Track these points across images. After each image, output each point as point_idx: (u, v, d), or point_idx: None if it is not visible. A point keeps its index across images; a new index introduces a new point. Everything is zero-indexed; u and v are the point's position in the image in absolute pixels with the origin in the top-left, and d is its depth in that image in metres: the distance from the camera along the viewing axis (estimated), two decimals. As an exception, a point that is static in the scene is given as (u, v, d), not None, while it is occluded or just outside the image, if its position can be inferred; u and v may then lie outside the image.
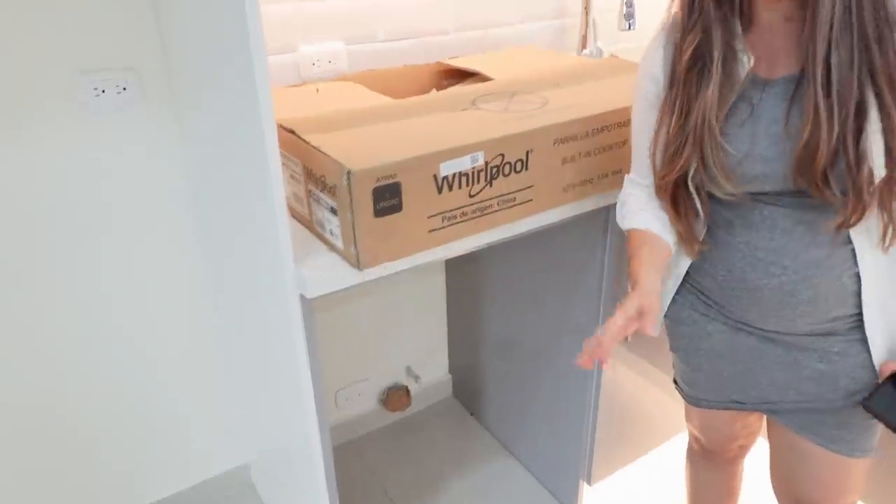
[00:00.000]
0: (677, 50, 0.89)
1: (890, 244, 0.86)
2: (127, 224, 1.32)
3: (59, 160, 1.21)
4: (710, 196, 0.93)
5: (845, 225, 0.83)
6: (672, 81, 0.91)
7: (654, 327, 0.86)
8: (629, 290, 0.90)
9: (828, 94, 0.78)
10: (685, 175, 0.91)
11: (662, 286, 1.06)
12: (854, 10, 0.76)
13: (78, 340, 1.35)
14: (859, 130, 0.79)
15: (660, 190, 0.96)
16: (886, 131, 0.78)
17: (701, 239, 0.97)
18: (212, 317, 1.49)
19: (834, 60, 0.77)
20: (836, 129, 0.78)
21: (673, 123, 0.90)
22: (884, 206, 0.83)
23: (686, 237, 0.97)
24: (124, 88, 1.22)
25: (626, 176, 1.05)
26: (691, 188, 0.92)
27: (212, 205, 1.26)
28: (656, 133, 0.94)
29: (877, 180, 0.80)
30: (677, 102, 0.89)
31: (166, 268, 1.40)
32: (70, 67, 1.17)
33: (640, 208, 1.00)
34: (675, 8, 0.90)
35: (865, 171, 0.79)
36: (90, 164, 1.24)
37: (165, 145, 1.30)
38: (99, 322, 1.36)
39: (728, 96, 0.86)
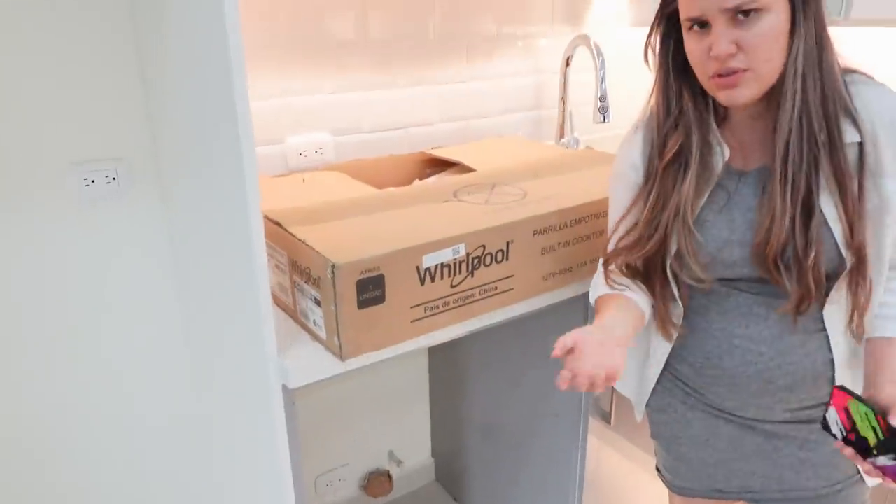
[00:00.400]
0: (657, 147, 0.93)
1: (857, 329, 0.89)
2: (112, 311, 1.32)
3: (46, 248, 1.22)
4: (689, 287, 0.96)
5: (795, 310, 0.87)
6: (648, 175, 0.95)
7: (615, 369, 0.84)
8: None
9: (783, 190, 0.84)
10: (663, 262, 0.94)
11: (645, 372, 1.08)
12: (805, 119, 0.82)
13: (57, 428, 1.33)
14: (806, 224, 0.83)
15: (613, 263, 0.99)
16: (845, 230, 0.83)
17: (678, 323, 0.99)
18: (194, 404, 1.47)
19: (789, 160, 0.83)
20: (787, 220, 0.83)
21: (645, 213, 0.94)
22: (848, 294, 0.87)
23: (663, 320, 0.99)
24: (114, 178, 1.25)
25: (601, 259, 1.08)
26: (669, 275, 0.95)
27: (197, 292, 1.27)
28: (624, 214, 0.97)
29: (823, 270, 0.84)
30: (652, 194, 0.93)
31: (150, 355, 1.39)
32: (61, 159, 1.20)
33: (614, 280, 1.01)
34: (653, 102, 0.95)
35: (810, 260, 0.83)
36: (77, 252, 1.25)
37: (152, 233, 1.32)
38: (82, 411, 1.34)
39: (704, 187, 0.91)
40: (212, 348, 1.27)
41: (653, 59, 0.93)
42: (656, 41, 0.92)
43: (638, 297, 0.98)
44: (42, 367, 1.28)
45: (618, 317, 0.94)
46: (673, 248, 0.92)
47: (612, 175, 1.03)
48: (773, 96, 0.85)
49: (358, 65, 1.51)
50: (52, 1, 1.12)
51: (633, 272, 0.98)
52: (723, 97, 0.86)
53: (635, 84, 1.84)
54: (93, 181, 1.23)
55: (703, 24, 0.82)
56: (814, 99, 0.82)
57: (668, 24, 0.90)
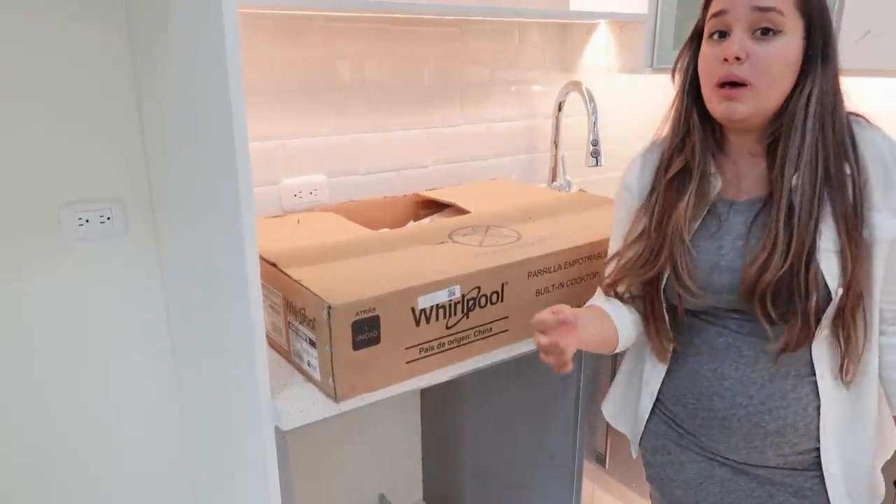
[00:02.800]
0: (663, 161, 0.97)
1: (850, 377, 0.89)
2: (102, 352, 1.31)
3: (37, 288, 1.22)
4: (684, 316, 0.97)
5: (787, 349, 0.87)
6: (653, 189, 0.98)
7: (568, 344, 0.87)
8: None
9: (788, 225, 0.85)
10: (658, 287, 0.96)
11: (639, 406, 1.08)
12: (819, 160, 0.85)
13: (44, 468, 1.30)
14: (809, 261, 0.85)
15: (615, 285, 1.01)
16: (842, 265, 0.84)
17: (669, 347, 0.99)
18: (185, 444, 1.44)
19: (797, 197, 0.85)
20: (791, 257, 0.84)
21: (653, 227, 0.96)
22: (839, 337, 0.87)
23: (657, 343, 1.00)
24: (108, 218, 1.25)
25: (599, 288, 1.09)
26: (662, 297, 0.96)
27: (190, 333, 1.26)
28: (629, 235, 0.99)
29: (822, 309, 0.85)
30: (657, 208, 0.96)
31: (141, 397, 1.37)
32: (55, 198, 1.20)
33: (606, 299, 1.03)
34: (669, 120, 0.98)
35: (813, 299, 0.84)
36: (68, 293, 1.25)
37: (146, 273, 1.31)
38: (71, 453, 1.32)
39: (699, 211, 0.93)
40: (204, 389, 1.25)
41: (678, 77, 0.97)
42: (685, 60, 0.95)
43: (620, 323, 1.00)
44: (28, 409, 1.25)
45: (594, 321, 0.97)
46: (668, 268, 0.93)
47: (616, 200, 1.07)
48: (772, 136, 0.88)
49: (354, 108, 1.54)
50: (51, 37, 1.13)
51: (632, 299, 1.00)
52: (721, 109, 0.88)
53: (626, 129, 1.88)
54: (87, 221, 1.23)
55: (723, 34, 0.87)
56: (830, 143, 0.85)
57: (697, 45, 0.93)
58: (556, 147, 1.86)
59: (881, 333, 0.93)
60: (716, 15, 0.87)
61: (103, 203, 1.24)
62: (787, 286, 0.85)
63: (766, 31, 0.84)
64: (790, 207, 0.85)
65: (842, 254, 0.85)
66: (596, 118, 1.67)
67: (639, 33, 1.69)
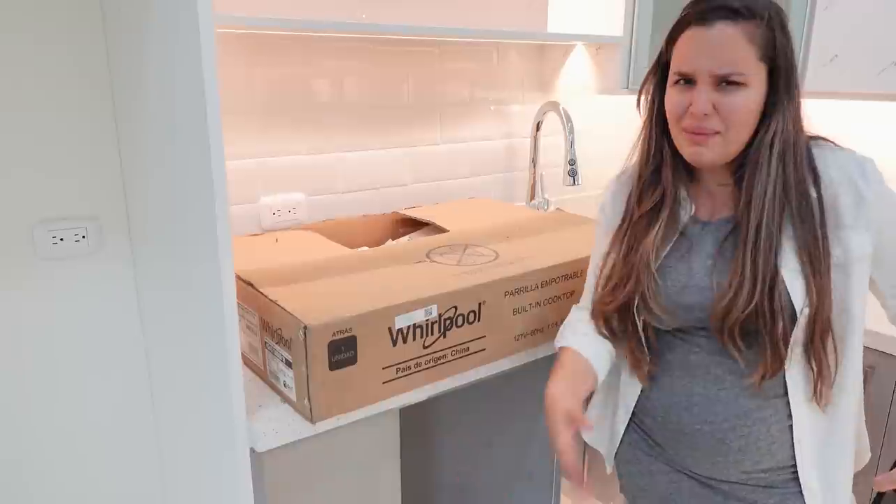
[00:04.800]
0: (635, 194, 0.98)
1: (825, 399, 0.91)
2: (76, 371, 1.29)
3: (11, 306, 1.20)
4: (657, 335, 0.98)
5: (764, 379, 0.89)
6: (625, 217, 0.99)
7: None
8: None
9: (755, 258, 0.87)
10: (630, 309, 0.97)
11: (615, 424, 1.09)
12: (782, 192, 0.87)
13: (19, 491, 1.27)
14: (772, 292, 0.86)
15: (597, 314, 1.02)
16: (807, 290, 0.86)
17: (646, 368, 1.00)
18: (159, 466, 1.42)
19: (762, 231, 0.87)
20: (757, 292, 0.86)
21: (621, 255, 0.98)
22: (811, 360, 0.89)
23: (634, 365, 1.01)
24: (83, 236, 1.24)
25: (574, 305, 1.11)
26: (638, 322, 0.97)
27: (165, 353, 1.24)
28: (604, 261, 1.01)
29: (790, 337, 0.87)
30: (626, 237, 0.98)
31: (116, 417, 1.35)
32: (30, 217, 1.18)
33: (583, 332, 1.04)
34: (638, 149, 0.99)
35: (780, 326, 0.86)
36: (41, 312, 1.23)
37: (121, 292, 1.30)
38: (43, 466, 1.29)
39: (670, 235, 0.95)
40: (179, 410, 1.24)
41: (644, 107, 0.98)
42: (649, 91, 0.97)
43: (598, 363, 1.01)
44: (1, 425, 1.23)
45: (584, 382, 0.98)
46: (637, 294, 0.95)
47: (596, 222, 1.10)
48: (739, 170, 0.90)
49: (333, 127, 1.54)
50: (26, 53, 1.12)
51: (609, 329, 1.01)
52: (689, 152, 0.90)
53: (603, 149, 1.91)
54: (61, 239, 1.22)
55: (688, 81, 0.88)
56: (793, 177, 0.87)
57: (661, 74, 0.94)
58: (534, 166, 1.87)
59: (889, 308, 0.94)
60: (679, 73, 0.89)
61: (78, 221, 1.23)
62: (754, 318, 0.87)
63: (730, 83, 0.85)
64: (756, 242, 0.87)
65: (806, 280, 0.86)
66: (573, 138, 1.69)
67: (615, 55, 1.72)
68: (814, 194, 0.87)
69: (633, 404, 1.05)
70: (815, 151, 0.90)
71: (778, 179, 0.87)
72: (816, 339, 0.87)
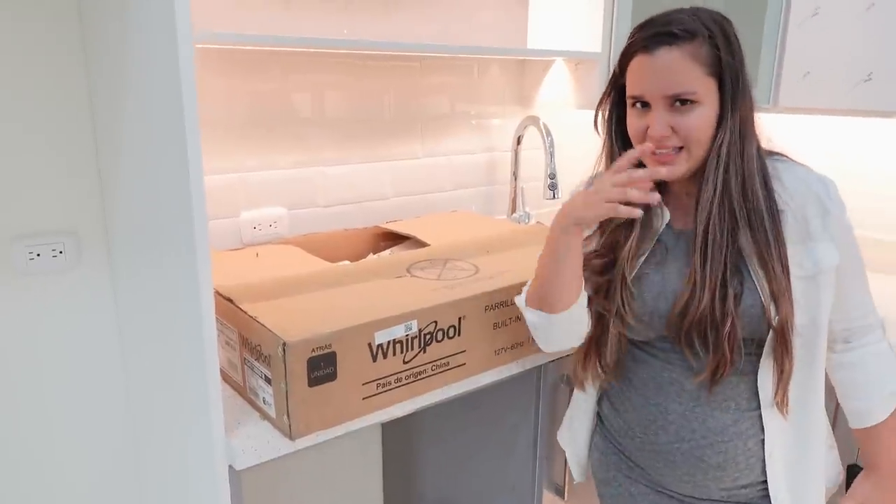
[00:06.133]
0: None
1: (783, 402, 0.92)
2: (53, 390, 1.27)
3: (-15, 323, 1.18)
4: (629, 354, 0.99)
5: (708, 380, 0.90)
6: (601, 230, 1.01)
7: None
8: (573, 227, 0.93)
9: (703, 265, 0.89)
10: (606, 322, 0.98)
11: (577, 423, 1.12)
12: (726, 201, 0.89)
13: (-20, 516, 1.25)
14: (724, 295, 0.88)
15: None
16: (763, 294, 0.87)
17: (599, 373, 1.03)
18: (138, 484, 1.40)
19: (709, 237, 0.89)
20: (707, 293, 0.88)
21: (597, 268, 0.99)
22: (775, 364, 0.90)
23: (595, 360, 1.03)
24: (60, 252, 1.23)
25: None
26: (613, 334, 0.98)
27: (143, 370, 1.23)
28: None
29: (739, 339, 0.89)
30: (605, 238, 0.99)
31: (93, 435, 1.33)
32: (5, 232, 1.17)
33: None
34: (601, 168, 1.01)
35: (726, 329, 0.88)
36: (20, 327, 1.21)
37: (99, 308, 1.29)
38: (21, 483, 1.27)
39: (645, 245, 0.97)
40: (158, 426, 1.23)
41: (602, 126, 1.00)
42: (605, 110, 0.99)
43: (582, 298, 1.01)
44: (-27, 448, 1.21)
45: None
46: (613, 304, 0.96)
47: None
48: (701, 176, 0.92)
49: (314, 141, 1.54)
50: (7, 69, 1.12)
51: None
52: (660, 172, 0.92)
53: (582, 162, 1.92)
54: (38, 255, 1.21)
55: (644, 104, 0.90)
56: (735, 185, 0.89)
57: (617, 95, 0.97)
58: (515, 179, 1.89)
59: (831, 351, 0.97)
60: (633, 97, 0.91)
61: (56, 236, 1.22)
62: (712, 320, 0.89)
63: (683, 102, 0.88)
64: (703, 247, 0.89)
65: (764, 291, 0.88)
66: (553, 152, 1.71)
67: (593, 70, 1.74)
68: (764, 204, 0.89)
69: (594, 404, 1.08)
70: (778, 166, 0.92)
71: (723, 187, 0.89)
72: (778, 344, 0.89)
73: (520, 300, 1.04)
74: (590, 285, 0.99)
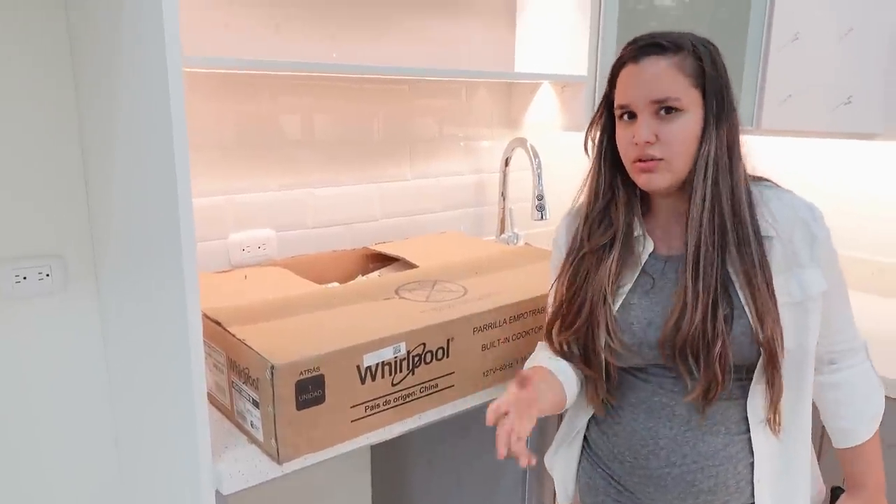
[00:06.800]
0: (585, 229, 1.00)
1: (773, 424, 0.92)
2: (40, 411, 1.26)
3: (-31, 347, 1.17)
4: (620, 378, 0.99)
5: (702, 399, 0.90)
6: (570, 251, 1.01)
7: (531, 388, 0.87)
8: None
9: (695, 282, 0.90)
10: (594, 346, 0.97)
11: (565, 447, 1.10)
12: (717, 217, 0.90)
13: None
14: (715, 315, 0.89)
15: (552, 340, 1.02)
16: (751, 316, 0.88)
17: (604, 399, 1.01)
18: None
19: (701, 254, 0.90)
20: (699, 312, 0.89)
21: (568, 290, 0.99)
22: (767, 387, 0.91)
23: (593, 396, 1.02)
24: (47, 275, 1.22)
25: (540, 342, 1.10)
26: (602, 359, 0.98)
27: (130, 393, 1.22)
28: (551, 291, 1.02)
29: (730, 360, 0.89)
30: (575, 273, 0.99)
31: (78, 459, 1.32)
32: (-6, 256, 1.17)
33: (549, 357, 1.04)
34: (586, 188, 1.02)
35: (717, 349, 0.88)
36: (5, 351, 1.20)
37: (86, 332, 1.28)
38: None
39: (630, 273, 0.97)
40: (144, 451, 1.22)
41: (591, 148, 1.02)
42: (596, 131, 1.01)
43: (567, 383, 1.01)
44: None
45: (547, 389, 0.96)
46: (601, 333, 0.96)
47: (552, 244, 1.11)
48: (690, 194, 0.93)
49: (303, 163, 1.55)
50: (-5, 97, 1.12)
51: (569, 355, 1.02)
52: (641, 180, 0.94)
53: (569, 183, 1.94)
54: (24, 278, 1.20)
55: (631, 115, 0.92)
56: (725, 201, 0.90)
57: (608, 117, 0.99)
58: (503, 200, 1.90)
59: (818, 373, 0.98)
60: (621, 106, 0.94)
61: (42, 259, 1.21)
62: (703, 340, 0.89)
63: (668, 110, 0.90)
64: (695, 265, 0.90)
65: (752, 314, 0.89)
66: (541, 173, 1.73)
67: (580, 93, 1.76)
68: (750, 224, 0.90)
69: (583, 425, 1.06)
70: (766, 192, 0.93)
71: (713, 201, 0.90)
72: (766, 366, 0.89)
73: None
74: (571, 335, 0.99)
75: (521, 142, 1.78)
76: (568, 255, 1.02)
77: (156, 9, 0.80)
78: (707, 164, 0.90)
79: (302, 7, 1.48)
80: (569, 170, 2.00)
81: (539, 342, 1.11)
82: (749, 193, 0.92)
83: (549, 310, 1.05)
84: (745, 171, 0.93)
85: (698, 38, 0.92)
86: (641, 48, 0.91)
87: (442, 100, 1.78)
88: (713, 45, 0.93)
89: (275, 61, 1.41)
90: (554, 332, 1.02)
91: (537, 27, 1.84)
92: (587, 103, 1.75)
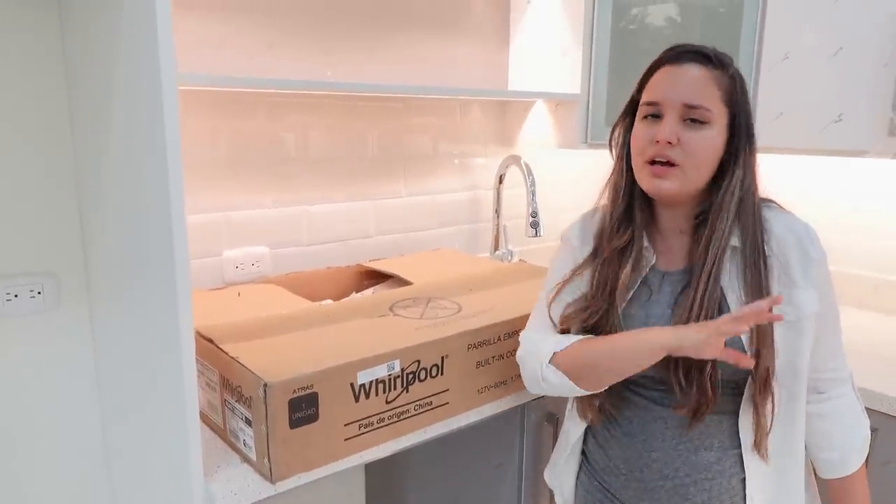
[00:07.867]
0: (607, 229, 1.00)
1: (761, 448, 0.92)
2: (31, 430, 1.24)
3: (-41, 366, 1.16)
4: (615, 389, 0.99)
5: (692, 415, 0.91)
6: (595, 254, 1.01)
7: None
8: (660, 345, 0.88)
9: (703, 297, 0.90)
10: None
11: (563, 461, 1.10)
12: (735, 240, 0.91)
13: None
14: None
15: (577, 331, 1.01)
16: (750, 341, 0.88)
17: (596, 405, 1.01)
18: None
19: (713, 271, 0.90)
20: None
21: (594, 291, 0.99)
22: (754, 410, 0.91)
23: (585, 404, 1.02)
24: (39, 293, 1.21)
25: (525, 333, 1.07)
26: None
27: (122, 411, 1.21)
28: (565, 281, 1.01)
29: (718, 378, 0.89)
30: (598, 273, 0.99)
31: (69, 479, 1.30)
32: (-15, 273, 1.16)
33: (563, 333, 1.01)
34: (608, 189, 1.02)
35: (708, 368, 0.89)
36: (-8, 369, 1.19)
37: (77, 350, 1.27)
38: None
39: (633, 281, 0.97)
40: (136, 471, 1.20)
41: (616, 146, 1.02)
42: (619, 133, 1.01)
43: None
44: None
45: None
46: (603, 329, 0.96)
47: (561, 239, 1.09)
48: (700, 215, 0.94)
49: (297, 180, 1.55)
50: (-11, 115, 1.12)
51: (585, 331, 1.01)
52: (649, 185, 0.93)
53: (563, 200, 1.95)
54: (15, 295, 1.19)
55: (655, 116, 0.92)
56: (747, 222, 0.91)
57: (632, 118, 0.98)
58: (497, 217, 1.90)
59: (808, 402, 0.97)
60: (649, 103, 0.93)
61: (34, 277, 1.21)
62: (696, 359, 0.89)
63: (695, 121, 0.90)
64: (707, 282, 0.90)
65: (751, 334, 0.89)
66: (534, 190, 1.73)
67: (573, 111, 1.78)
68: (763, 247, 0.90)
69: (578, 439, 1.07)
70: (768, 214, 0.94)
71: (734, 224, 0.91)
72: (757, 389, 0.89)
73: (544, 356, 0.99)
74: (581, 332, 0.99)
75: (515, 159, 1.79)
76: (593, 257, 1.01)
77: (150, 26, 0.80)
78: (736, 186, 0.91)
79: (297, 25, 1.49)
80: (562, 187, 2.02)
81: (522, 333, 1.08)
82: (761, 218, 0.92)
83: (550, 297, 1.03)
84: (758, 195, 0.94)
85: (734, 64, 0.94)
86: (685, 52, 0.92)
87: (436, 117, 1.79)
88: (743, 78, 0.94)
89: (270, 79, 1.42)
90: (572, 329, 1.00)
91: (531, 46, 1.86)
92: (580, 121, 1.77)
